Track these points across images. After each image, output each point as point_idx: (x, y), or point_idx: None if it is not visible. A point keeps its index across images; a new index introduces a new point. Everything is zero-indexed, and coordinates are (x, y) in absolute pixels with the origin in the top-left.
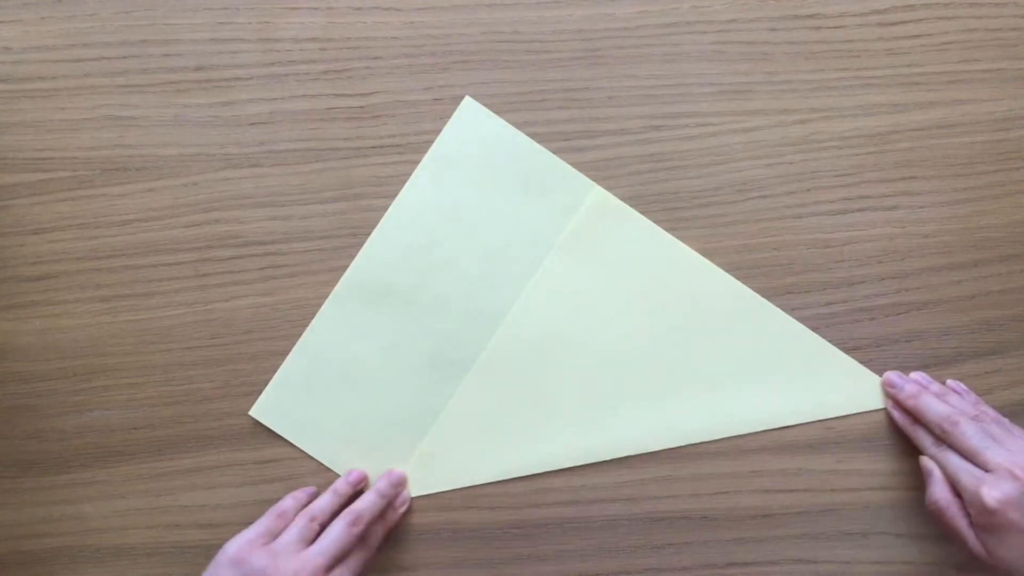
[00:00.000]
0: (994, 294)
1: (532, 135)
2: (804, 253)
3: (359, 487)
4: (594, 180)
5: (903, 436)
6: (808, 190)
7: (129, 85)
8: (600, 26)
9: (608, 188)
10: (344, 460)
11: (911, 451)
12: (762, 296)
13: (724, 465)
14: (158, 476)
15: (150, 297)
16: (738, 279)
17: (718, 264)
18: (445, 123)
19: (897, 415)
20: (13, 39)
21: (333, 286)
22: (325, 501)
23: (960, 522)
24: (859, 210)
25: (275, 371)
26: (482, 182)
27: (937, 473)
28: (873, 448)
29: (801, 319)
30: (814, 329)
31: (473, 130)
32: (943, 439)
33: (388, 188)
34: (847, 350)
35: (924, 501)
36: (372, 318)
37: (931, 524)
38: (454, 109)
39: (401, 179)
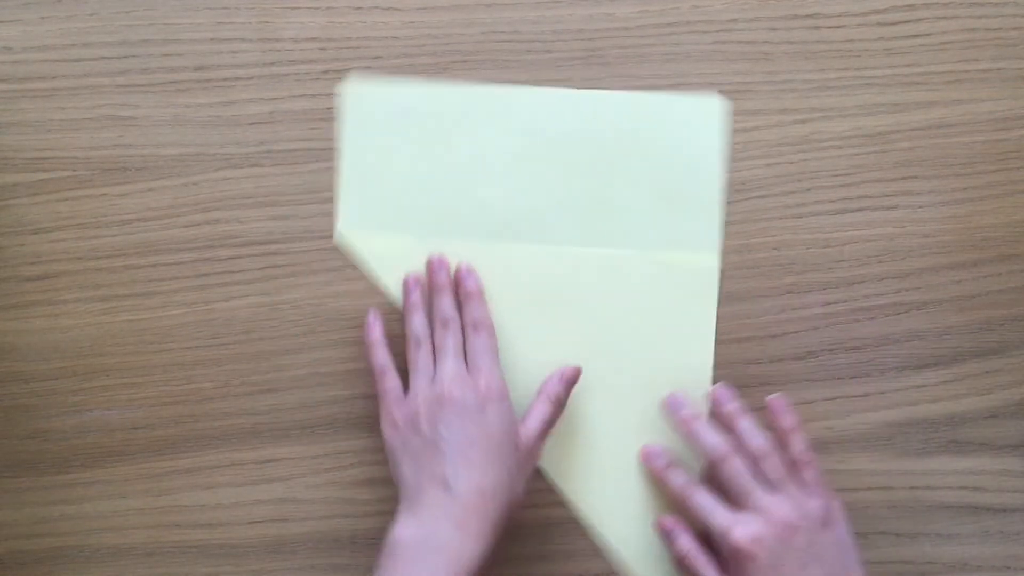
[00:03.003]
0: (994, 294)
1: None
2: (804, 253)
3: (444, 268)
4: None
5: (903, 436)
6: (807, 190)
7: (129, 85)
8: (600, 26)
9: None
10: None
11: (911, 451)
12: (762, 296)
13: None
14: (158, 476)
15: (150, 297)
16: (738, 279)
17: (718, 264)
18: None
19: (655, 463)
20: (13, 39)
21: (333, 286)
22: (416, 320)
23: (708, 571)
24: (859, 210)
25: (275, 371)
26: None
27: (677, 530)
28: (873, 448)
29: (801, 319)
30: (814, 329)
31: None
32: (713, 468)
33: None
34: (847, 350)
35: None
36: None
37: (931, 524)
38: None
39: None
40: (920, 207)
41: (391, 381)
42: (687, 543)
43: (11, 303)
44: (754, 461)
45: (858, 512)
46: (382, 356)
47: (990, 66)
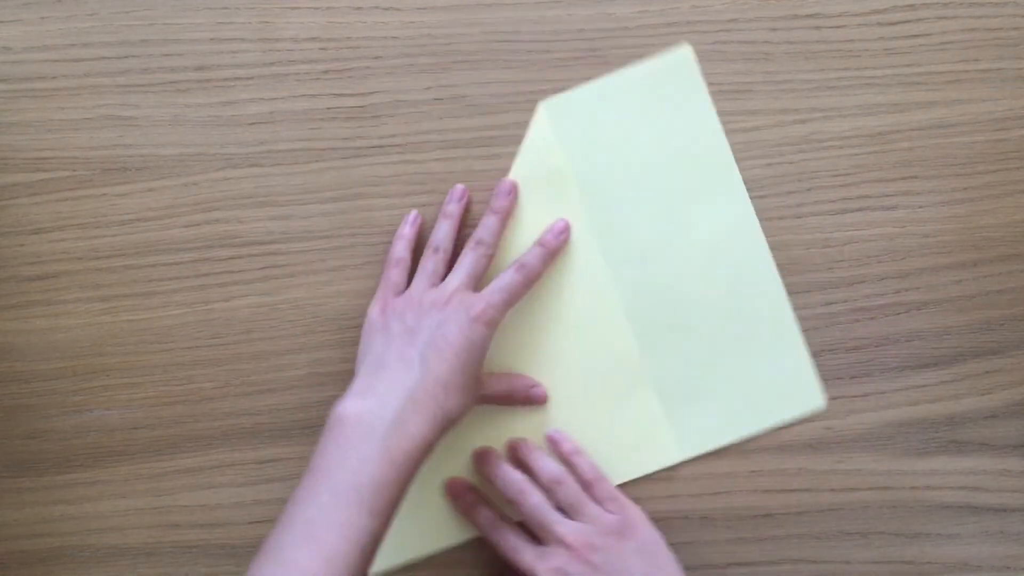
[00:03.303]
0: (994, 294)
1: None
2: (804, 253)
3: (465, 200)
4: None
5: (903, 436)
6: (808, 190)
7: (129, 85)
8: (600, 26)
9: None
10: None
11: (911, 451)
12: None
13: (723, 465)
14: (158, 476)
15: (150, 297)
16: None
17: None
18: (445, 123)
19: (455, 484)
20: (13, 39)
21: (333, 286)
22: (442, 230)
23: None
24: (859, 210)
25: (275, 371)
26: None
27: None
28: (873, 448)
29: (801, 319)
30: (815, 329)
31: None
32: (515, 509)
33: (388, 188)
34: (847, 350)
35: None
36: None
37: (931, 524)
38: (454, 109)
39: (401, 178)
40: (920, 207)
41: (397, 275)
42: None
43: (11, 303)
44: (550, 491)
45: (858, 512)
46: (400, 249)
47: (990, 66)
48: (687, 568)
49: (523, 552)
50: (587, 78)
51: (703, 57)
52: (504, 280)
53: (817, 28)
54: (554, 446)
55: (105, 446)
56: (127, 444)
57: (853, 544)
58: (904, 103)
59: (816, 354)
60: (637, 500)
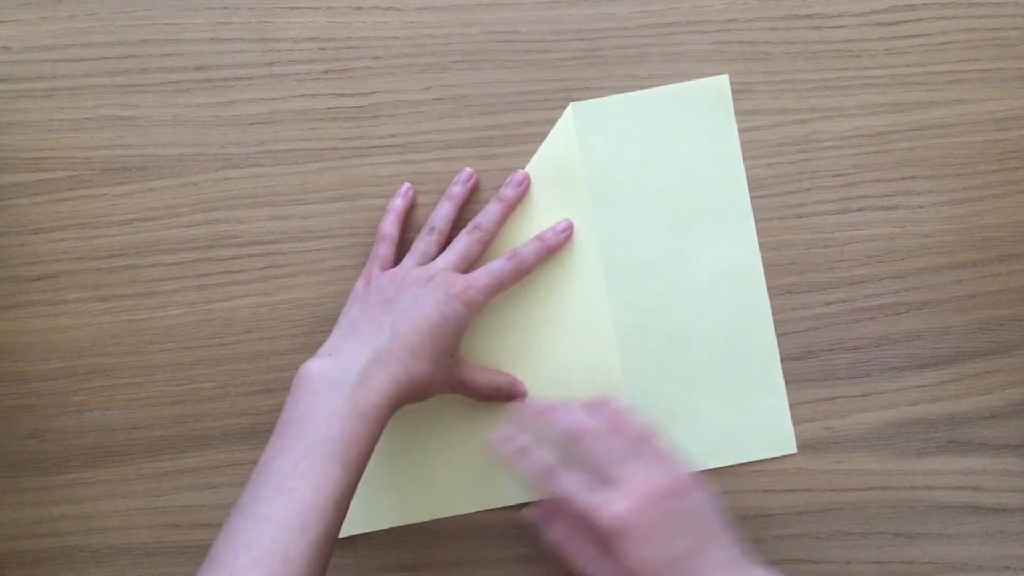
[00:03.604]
0: (994, 294)
1: (532, 135)
2: (804, 253)
3: (471, 184)
4: None
5: (903, 436)
6: (808, 190)
7: (129, 85)
8: (600, 26)
9: None
10: None
11: (911, 451)
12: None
13: (723, 465)
14: (158, 476)
15: (150, 297)
16: None
17: None
18: (445, 123)
19: (504, 448)
20: (13, 39)
21: (333, 286)
22: (441, 210)
23: (579, 556)
24: (859, 210)
25: (275, 371)
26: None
27: (544, 520)
28: (873, 448)
29: (801, 319)
30: (814, 329)
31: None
32: (567, 456)
33: (388, 188)
34: (847, 350)
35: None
36: None
37: (931, 524)
38: (454, 109)
39: (401, 178)
40: (920, 207)
41: (383, 250)
42: (558, 532)
43: (11, 303)
44: (606, 438)
45: (858, 512)
46: (390, 225)
47: (990, 66)
48: None
49: (585, 497)
50: (587, 78)
51: (703, 57)
52: (493, 266)
53: (817, 28)
54: (602, 406)
55: (105, 446)
56: (127, 444)
57: (853, 544)
58: (904, 103)
59: (816, 354)
60: None
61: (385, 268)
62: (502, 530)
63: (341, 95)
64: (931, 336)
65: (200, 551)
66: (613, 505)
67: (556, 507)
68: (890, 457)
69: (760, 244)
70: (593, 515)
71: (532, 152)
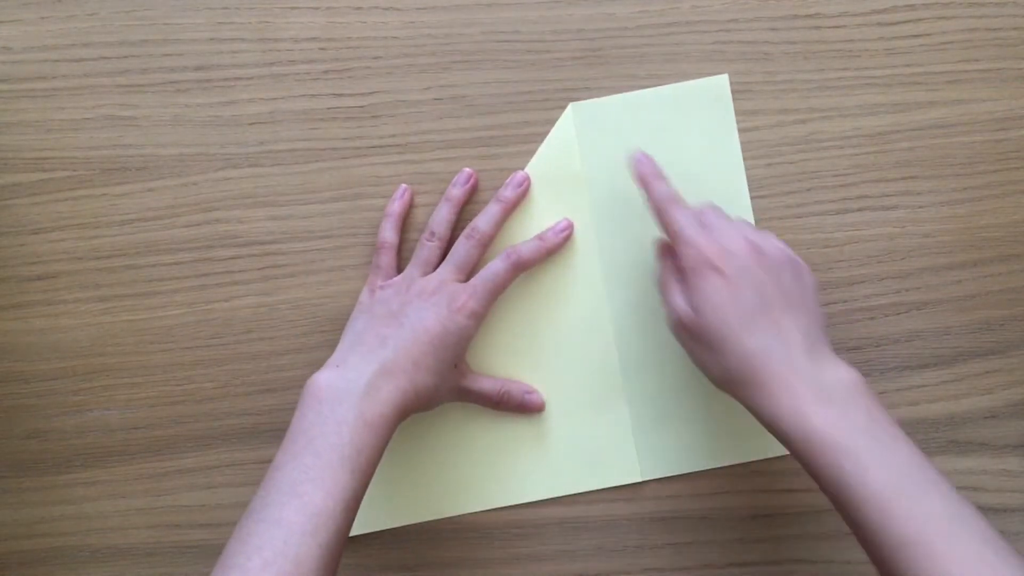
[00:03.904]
0: (994, 294)
1: (532, 135)
2: (804, 253)
3: (470, 185)
4: None
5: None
6: (808, 190)
7: (129, 85)
8: (600, 26)
9: None
10: None
11: None
12: None
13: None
14: (158, 476)
15: (150, 297)
16: None
17: None
18: (445, 123)
19: (639, 155)
20: (13, 39)
21: (333, 286)
22: (440, 214)
23: (672, 283)
24: (859, 210)
25: (275, 371)
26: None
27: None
28: None
29: None
30: None
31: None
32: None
33: (388, 188)
34: (847, 350)
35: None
36: None
37: None
38: (454, 109)
39: (401, 178)
40: (920, 207)
41: (386, 258)
42: (665, 268)
43: (11, 303)
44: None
45: None
46: (389, 231)
47: (990, 66)
48: (686, 568)
49: (692, 229)
50: (587, 78)
51: (703, 57)
52: (491, 270)
53: (817, 28)
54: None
55: (105, 446)
56: (127, 444)
57: (853, 544)
58: (904, 103)
59: None
60: (635, 498)
61: (388, 277)
62: (502, 530)
63: (341, 95)
64: (931, 336)
65: (200, 551)
66: (714, 242)
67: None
68: None
69: None
70: (692, 245)
71: (532, 152)
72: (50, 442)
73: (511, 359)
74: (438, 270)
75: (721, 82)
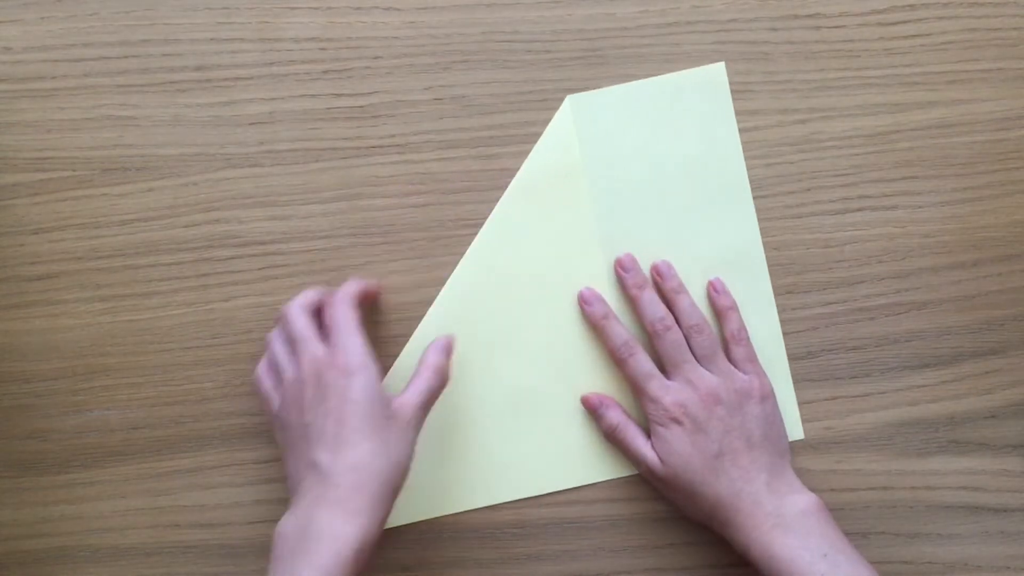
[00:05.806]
0: (994, 294)
1: (532, 135)
2: (804, 253)
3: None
4: None
5: (903, 436)
6: (808, 190)
7: (129, 85)
8: (600, 26)
9: None
10: None
11: (911, 451)
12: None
13: None
14: (158, 476)
15: (150, 297)
16: None
17: None
18: (445, 123)
19: (593, 308)
20: (13, 39)
21: (333, 286)
22: (305, 296)
23: (638, 439)
24: (859, 210)
25: None
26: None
27: (604, 404)
28: (873, 448)
29: (801, 319)
30: (814, 329)
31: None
32: (651, 339)
33: (388, 188)
34: (847, 350)
35: (604, 432)
36: None
37: (931, 524)
38: (454, 109)
39: (401, 178)
40: (920, 207)
41: (265, 383)
42: (616, 416)
43: (11, 303)
44: (688, 336)
45: (858, 512)
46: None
47: (990, 66)
48: (686, 568)
49: (653, 379)
50: (587, 78)
51: (703, 57)
52: (339, 315)
53: (817, 28)
54: (713, 295)
55: (105, 446)
56: (127, 444)
57: (853, 544)
58: (904, 103)
59: (816, 354)
60: (637, 499)
61: (269, 398)
62: (502, 530)
63: (341, 95)
64: (931, 336)
65: (200, 551)
66: (675, 394)
67: (610, 399)
68: (890, 457)
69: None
70: (656, 400)
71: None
72: (50, 442)
73: (509, 355)
74: (297, 357)
75: (718, 70)
